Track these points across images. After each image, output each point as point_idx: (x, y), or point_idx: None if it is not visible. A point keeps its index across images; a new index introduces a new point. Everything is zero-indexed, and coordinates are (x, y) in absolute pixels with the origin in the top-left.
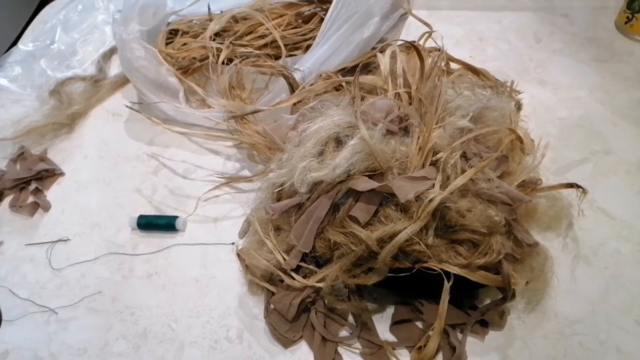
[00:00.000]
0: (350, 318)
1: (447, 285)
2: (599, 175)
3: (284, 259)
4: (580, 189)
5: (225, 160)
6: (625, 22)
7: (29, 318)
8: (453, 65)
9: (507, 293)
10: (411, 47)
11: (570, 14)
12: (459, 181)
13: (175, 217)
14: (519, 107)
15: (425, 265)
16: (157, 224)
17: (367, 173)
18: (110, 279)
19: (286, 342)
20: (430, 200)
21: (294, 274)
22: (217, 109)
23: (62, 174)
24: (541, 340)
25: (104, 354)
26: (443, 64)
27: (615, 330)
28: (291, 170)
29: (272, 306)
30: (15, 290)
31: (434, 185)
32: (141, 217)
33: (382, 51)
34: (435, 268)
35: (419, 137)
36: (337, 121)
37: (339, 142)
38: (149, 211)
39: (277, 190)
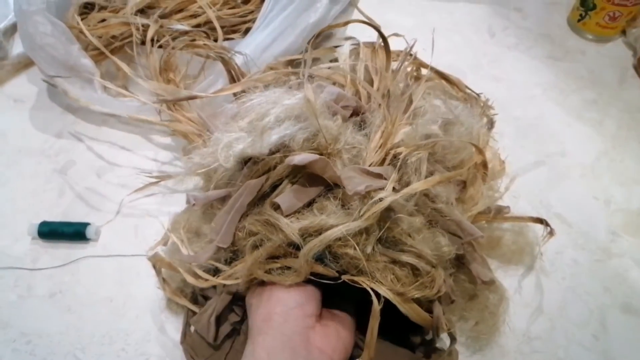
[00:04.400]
0: None
1: (376, 309)
2: (555, 179)
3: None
4: (549, 228)
5: (152, 155)
6: (578, 20)
7: None
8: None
9: (434, 335)
10: (372, 45)
11: (523, 8)
12: (419, 186)
13: (86, 224)
14: (491, 124)
15: (354, 278)
16: (63, 232)
17: (309, 151)
18: (2, 299)
19: None
20: (380, 200)
21: (198, 271)
22: (145, 94)
23: None
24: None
25: None
26: (413, 68)
27: (574, 346)
28: (217, 148)
29: (192, 328)
30: None
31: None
32: (44, 224)
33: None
34: (364, 284)
35: (383, 131)
36: (276, 98)
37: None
38: (55, 217)
39: (203, 171)
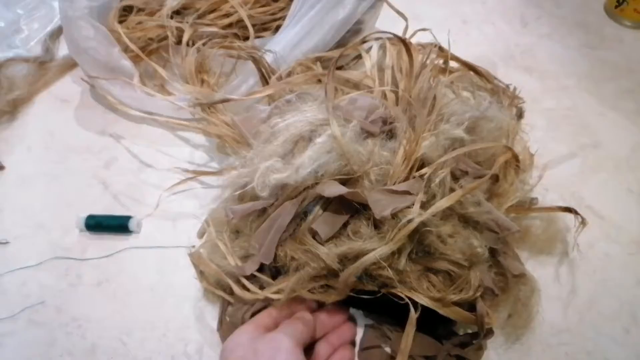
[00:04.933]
0: None
1: (412, 317)
2: (587, 171)
3: (238, 265)
4: (579, 217)
5: (189, 152)
6: (616, 7)
7: None
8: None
9: (480, 332)
10: (399, 40)
11: None
12: (442, 203)
13: (129, 217)
14: (520, 114)
15: (393, 291)
16: (108, 224)
17: (339, 177)
18: (55, 287)
19: None
20: (408, 222)
21: (246, 283)
22: (181, 95)
23: (2, 167)
24: (525, 352)
25: None
26: (441, 62)
27: (603, 339)
28: (254, 170)
29: (227, 318)
30: None
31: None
32: (90, 217)
33: (365, 42)
34: (403, 296)
35: (406, 145)
36: (309, 118)
37: (311, 141)
38: (100, 210)
39: (238, 192)
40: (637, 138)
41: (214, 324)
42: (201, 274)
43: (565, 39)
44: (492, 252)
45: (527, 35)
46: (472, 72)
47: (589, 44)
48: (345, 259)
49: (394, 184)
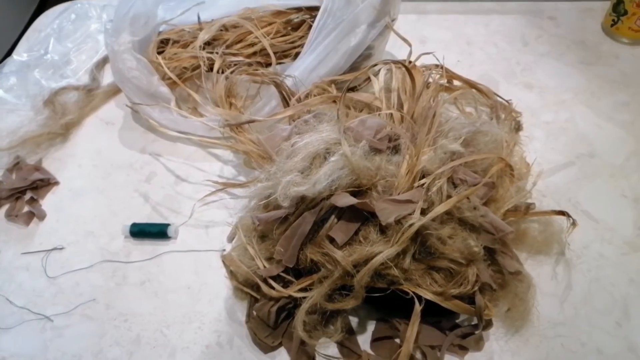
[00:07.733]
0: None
1: (417, 309)
2: (583, 179)
3: (265, 267)
4: (571, 219)
5: (219, 167)
6: (611, 25)
7: (25, 326)
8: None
9: (479, 323)
10: (404, 65)
11: (557, 16)
12: (440, 208)
13: (167, 225)
14: (518, 127)
15: (400, 287)
16: (149, 231)
17: (350, 189)
18: (104, 286)
19: (265, 348)
20: (410, 226)
21: (272, 282)
22: (212, 117)
23: (57, 183)
24: (523, 342)
25: None
26: (444, 81)
27: (597, 331)
28: (277, 183)
29: (254, 313)
30: (12, 298)
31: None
32: (134, 225)
33: (375, 65)
34: (409, 291)
35: (408, 160)
36: (325, 137)
37: (325, 158)
38: (142, 219)
39: (263, 202)
40: (631, 147)
41: (243, 317)
42: (231, 274)
43: (564, 56)
44: (491, 252)
45: (527, 53)
46: (473, 90)
47: (587, 61)
48: (358, 264)
49: (398, 194)
